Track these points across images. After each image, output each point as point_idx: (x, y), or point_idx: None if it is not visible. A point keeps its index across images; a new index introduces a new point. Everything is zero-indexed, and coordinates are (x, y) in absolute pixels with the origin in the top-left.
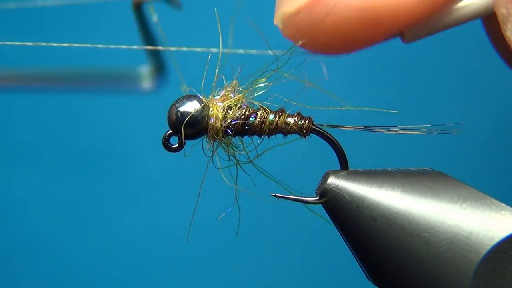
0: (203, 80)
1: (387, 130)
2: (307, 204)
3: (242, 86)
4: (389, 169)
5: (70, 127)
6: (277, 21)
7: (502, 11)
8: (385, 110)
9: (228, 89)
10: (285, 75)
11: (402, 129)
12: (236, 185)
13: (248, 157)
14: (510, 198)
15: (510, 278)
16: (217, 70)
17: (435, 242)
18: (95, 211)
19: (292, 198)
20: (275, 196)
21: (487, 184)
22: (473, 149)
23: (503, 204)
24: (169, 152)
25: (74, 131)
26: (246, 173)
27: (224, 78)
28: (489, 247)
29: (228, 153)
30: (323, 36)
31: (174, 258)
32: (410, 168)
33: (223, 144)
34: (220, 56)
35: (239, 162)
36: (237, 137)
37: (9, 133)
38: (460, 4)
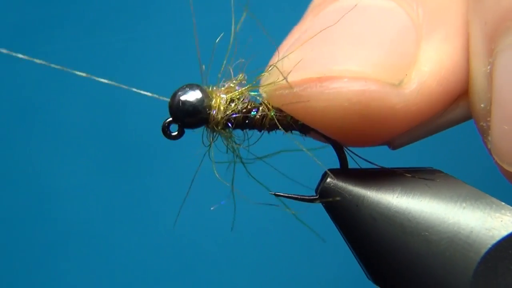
0: (209, 70)
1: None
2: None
3: (248, 79)
4: (389, 168)
5: (116, 119)
6: (263, 90)
7: (481, 124)
8: None
9: (234, 82)
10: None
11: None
12: (232, 180)
13: (255, 154)
14: (510, 197)
15: (510, 277)
16: (224, 62)
17: (435, 241)
18: (136, 205)
19: (292, 196)
20: (274, 194)
21: (487, 183)
22: (473, 148)
23: (503, 203)
24: (167, 139)
25: (120, 122)
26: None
27: (231, 70)
28: (489, 246)
29: (227, 146)
30: (309, 116)
31: (166, 260)
32: (410, 167)
33: (223, 136)
34: (229, 47)
35: (240, 157)
36: (239, 131)
37: (56, 126)
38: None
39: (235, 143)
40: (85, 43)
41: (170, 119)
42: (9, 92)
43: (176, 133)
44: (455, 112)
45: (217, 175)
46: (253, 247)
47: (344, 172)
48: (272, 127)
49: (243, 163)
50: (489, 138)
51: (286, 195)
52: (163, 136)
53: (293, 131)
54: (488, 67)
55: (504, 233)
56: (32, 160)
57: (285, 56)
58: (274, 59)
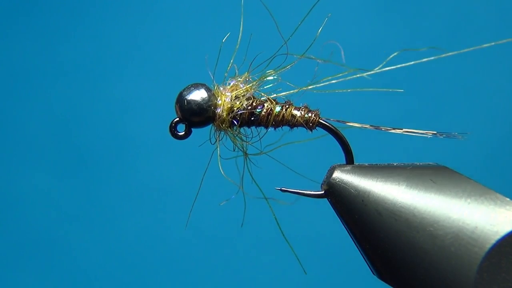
0: (215, 68)
1: (393, 129)
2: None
3: (252, 77)
4: (395, 164)
5: (73, 125)
6: None
7: None
8: (390, 90)
9: (239, 79)
10: (295, 56)
11: (407, 131)
12: (242, 176)
13: (260, 149)
14: None
15: None
16: (231, 61)
17: (440, 236)
18: (98, 210)
19: (298, 192)
20: (280, 190)
21: (492, 179)
22: (478, 143)
23: (508, 199)
24: (175, 139)
25: (77, 128)
26: (254, 164)
27: (236, 68)
28: (493, 241)
29: (235, 143)
30: None
31: (176, 257)
32: (416, 163)
33: (229, 134)
34: (237, 46)
35: (247, 153)
36: (246, 128)
37: (12, 131)
38: None
39: (242, 140)
40: (83, 46)
41: (177, 118)
42: None
43: (183, 132)
44: None
45: (222, 172)
46: (254, 245)
47: (350, 167)
48: (278, 123)
49: (246, 162)
50: None
51: (292, 190)
52: (170, 136)
53: (299, 127)
54: None
55: (508, 228)
56: None
57: None
58: None
